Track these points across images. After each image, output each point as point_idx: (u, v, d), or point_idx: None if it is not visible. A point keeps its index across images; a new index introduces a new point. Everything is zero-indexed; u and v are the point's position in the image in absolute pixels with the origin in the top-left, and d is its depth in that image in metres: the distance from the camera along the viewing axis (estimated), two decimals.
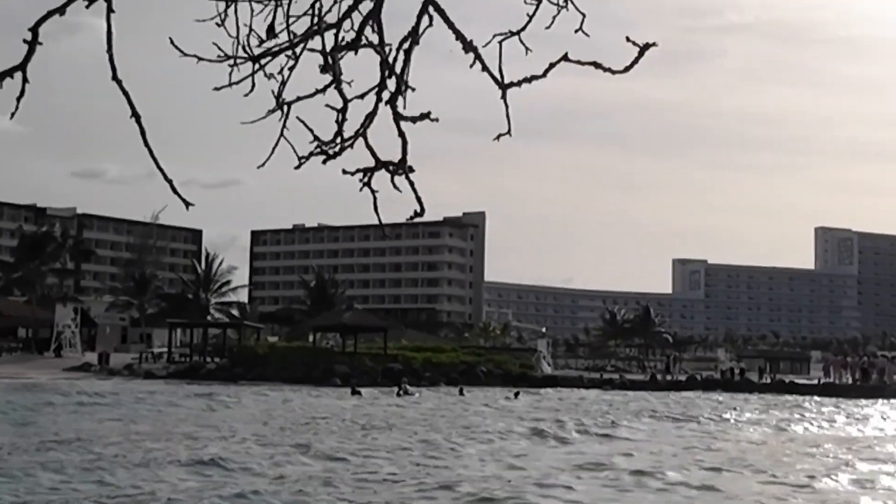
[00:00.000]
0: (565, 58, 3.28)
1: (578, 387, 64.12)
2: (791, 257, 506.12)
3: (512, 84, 3.34)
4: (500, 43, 3.35)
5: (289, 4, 3.29)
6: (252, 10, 3.30)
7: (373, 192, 3.30)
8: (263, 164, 3.49)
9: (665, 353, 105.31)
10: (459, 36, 3.26)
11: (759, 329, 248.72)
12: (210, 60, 3.32)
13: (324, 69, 3.27)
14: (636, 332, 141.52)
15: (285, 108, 3.36)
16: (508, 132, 3.46)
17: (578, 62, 3.27)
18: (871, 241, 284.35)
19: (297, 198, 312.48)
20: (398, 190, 3.33)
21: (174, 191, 3.21)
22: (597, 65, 3.30)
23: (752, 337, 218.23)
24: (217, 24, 3.28)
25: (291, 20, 3.30)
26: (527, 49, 3.40)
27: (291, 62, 3.34)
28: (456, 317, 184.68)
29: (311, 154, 3.37)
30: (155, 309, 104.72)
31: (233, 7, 3.28)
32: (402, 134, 3.28)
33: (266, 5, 3.29)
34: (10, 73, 3.00)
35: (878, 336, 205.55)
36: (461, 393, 51.71)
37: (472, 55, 3.28)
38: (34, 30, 3.01)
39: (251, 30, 3.31)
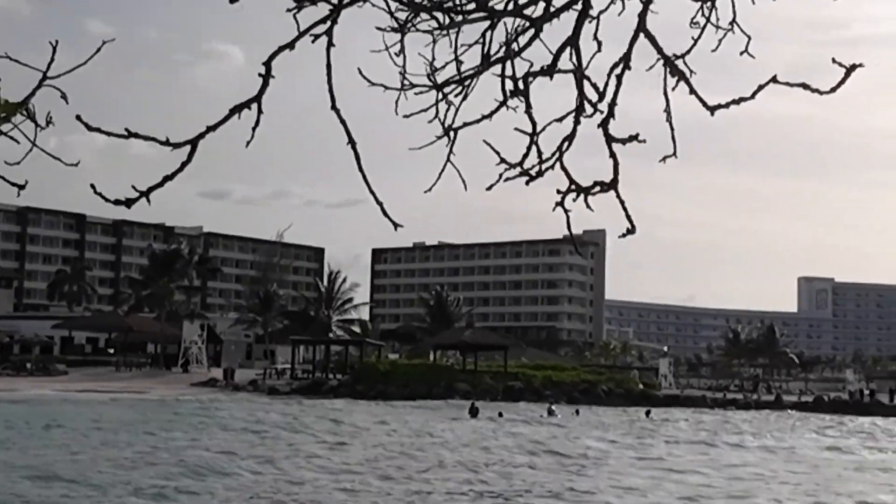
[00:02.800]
0: (774, 79, 3.31)
1: (701, 406, 63.10)
2: None
3: (720, 106, 3.40)
4: (687, 69, 3.40)
5: (457, 34, 3.35)
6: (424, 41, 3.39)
7: (566, 211, 3.39)
8: (430, 190, 3.59)
9: (753, 374, 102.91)
10: (667, 61, 3.31)
11: (889, 349, 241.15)
12: (395, 89, 3.39)
13: (514, 93, 3.34)
14: (760, 352, 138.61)
15: (452, 133, 3.42)
16: (674, 154, 3.55)
17: (787, 84, 3.29)
18: None
19: (418, 216, 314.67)
20: (591, 209, 3.42)
21: (384, 213, 3.33)
22: (805, 86, 3.31)
23: (882, 357, 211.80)
24: (395, 53, 3.35)
25: (461, 49, 3.37)
26: (691, 72, 3.42)
27: (464, 90, 3.42)
28: (576, 335, 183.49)
29: (511, 176, 3.44)
30: (278, 326, 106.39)
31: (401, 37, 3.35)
32: (613, 154, 3.40)
33: (437, 37, 3.35)
34: (247, 104, 3.15)
35: None
36: (648, 415, 50.80)
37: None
38: (268, 64, 3.15)
39: (432, 59, 3.37)
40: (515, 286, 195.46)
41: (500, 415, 46.11)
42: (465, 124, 3.43)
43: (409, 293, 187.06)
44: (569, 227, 3.48)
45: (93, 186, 3.19)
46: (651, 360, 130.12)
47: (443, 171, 3.43)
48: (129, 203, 3.14)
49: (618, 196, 3.39)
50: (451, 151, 3.42)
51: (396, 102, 3.41)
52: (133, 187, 3.17)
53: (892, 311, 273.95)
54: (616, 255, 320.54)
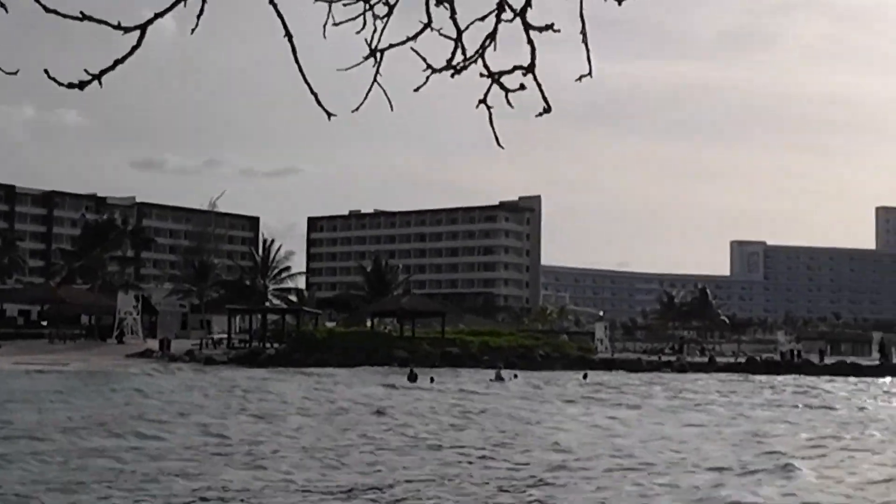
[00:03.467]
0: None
1: (637, 370, 63.83)
2: (852, 238, 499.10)
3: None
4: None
5: None
6: None
7: (488, 108, 3.51)
8: (357, 109, 3.62)
9: (680, 338, 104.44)
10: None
11: (819, 311, 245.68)
12: (325, 0, 3.44)
13: (439, 2, 3.42)
14: (694, 315, 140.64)
15: (378, 54, 3.48)
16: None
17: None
18: None
19: (354, 185, 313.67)
20: (511, 106, 3.50)
21: (318, 103, 3.36)
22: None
23: (812, 319, 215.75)
24: None
25: None
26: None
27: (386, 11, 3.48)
28: (513, 301, 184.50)
29: (435, 71, 3.52)
30: (214, 296, 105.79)
31: None
32: (530, 41, 3.51)
33: None
34: (112, 67, 3.17)
35: None
36: (584, 377, 51.88)
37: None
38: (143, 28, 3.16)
39: None
40: (452, 253, 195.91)
41: (432, 380, 46.83)
42: (391, 45, 3.48)
43: (346, 261, 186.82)
44: (491, 124, 3.58)
45: (46, 71, 3.19)
46: (587, 324, 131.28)
47: (369, 91, 3.47)
48: (81, 85, 3.15)
49: (535, 79, 3.51)
50: (377, 72, 3.47)
51: (325, 25, 3.45)
52: (85, 71, 3.17)
53: (822, 273, 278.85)
54: (552, 221, 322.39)
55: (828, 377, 59.76)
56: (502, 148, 3.59)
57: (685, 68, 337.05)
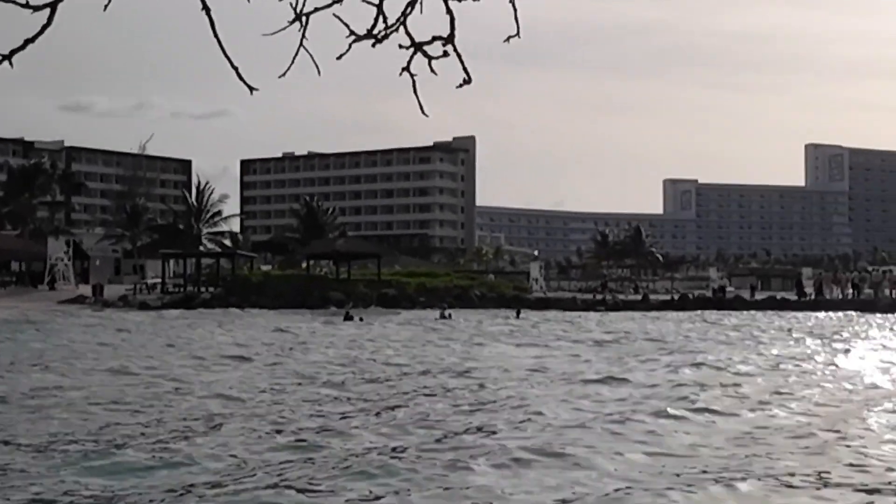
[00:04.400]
0: None
1: (572, 309, 64.36)
2: (782, 175, 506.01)
3: None
4: None
5: None
6: None
7: (412, 75, 3.50)
8: (283, 74, 3.59)
9: (602, 275, 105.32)
10: None
11: (750, 247, 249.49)
12: None
13: None
14: (628, 253, 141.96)
15: (304, 18, 3.46)
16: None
17: None
18: (861, 156, 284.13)
19: (287, 127, 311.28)
20: (435, 73, 3.54)
21: (240, 77, 3.31)
22: None
23: (743, 255, 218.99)
24: None
25: None
26: None
27: None
28: (448, 242, 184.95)
29: (358, 38, 3.50)
30: (147, 240, 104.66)
31: None
32: (449, 11, 3.54)
33: None
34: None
35: (869, 252, 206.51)
36: (518, 315, 52.28)
37: None
38: None
39: None
40: (387, 194, 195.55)
41: (361, 319, 47.68)
42: (317, 9, 3.46)
43: (280, 204, 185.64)
44: (415, 92, 3.58)
45: None
46: (522, 264, 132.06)
47: (296, 55, 3.45)
48: None
49: (455, 49, 3.52)
50: (303, 37, 3.45)
51: None
52: None
53: (753, 210, 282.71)
54: (486, 162, 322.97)
55: (757, 311, 60.83)
56: (426, 116, 3.59)
57: (621, 6, 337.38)
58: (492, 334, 39.51)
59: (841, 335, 39.75)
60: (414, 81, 3.58)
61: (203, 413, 16.80)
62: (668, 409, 16.97)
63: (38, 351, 29.90)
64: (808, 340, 36.31)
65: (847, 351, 31.25)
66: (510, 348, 32.38)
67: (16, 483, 11.42)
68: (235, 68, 3.35)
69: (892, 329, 44.41)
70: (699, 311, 61.17)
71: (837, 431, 15.00)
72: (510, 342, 35.24)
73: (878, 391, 20.73)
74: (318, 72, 3.54)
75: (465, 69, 3.57)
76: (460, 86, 3.62)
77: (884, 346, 33.50)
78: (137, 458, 12.56)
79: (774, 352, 30.90)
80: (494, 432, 14.63)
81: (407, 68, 3.51)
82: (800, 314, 58.58)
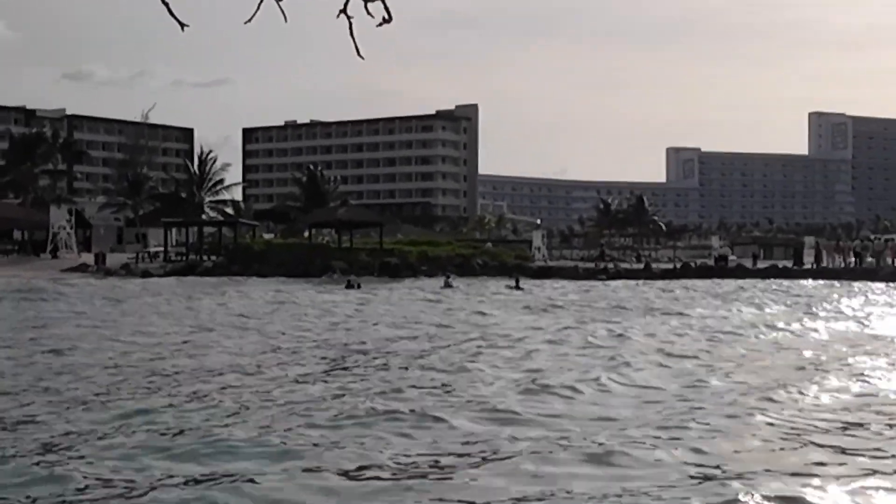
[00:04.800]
0: None
1: (574, 277, 64.29)
2: (785, 144, 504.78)
3: None
4: None
5: None
6: None
7: (348, 17, 3.51)
8: (249, 20, 3.59)
9: (599, 244, 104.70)
10: None
11: (753, 216, 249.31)
12: None
13: None
14: (630, 222, 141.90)
15: None
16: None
17: None
18: (864, 125, 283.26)
19: (289, 95, 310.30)
20: (371, 15, 3.53)
21: (171, 13, 3.33)
22: None
23: (746, 224, 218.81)
24: None
25: None
26: None
27: None
28: (451, 210, 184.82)
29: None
30: (149, 209, 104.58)
31: None
32: None
33: None
34: None
35: (872, 220, 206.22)
36: (517, 285, 51.65)
37: None
38: None
39: None
40: (389, 163, 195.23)
41: (358, 286, 47.90)
42: None
43: (283, 172, 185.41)
44: (351, 34, 3.59)
45: None
46: (525, 232, 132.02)
47: (259, 5, 3.46)
48: None
49: None
50: None
51: None
52: None
53: (755, 179, 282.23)
54: (489, 130, 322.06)
55: (760, 280, 60.83)
56: (362, 59, 3.58)
57: None
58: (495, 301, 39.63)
59: (810, 303, 39.40)
60: (350, 23, 3.57)
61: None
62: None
63: (50, 317, 30.08)
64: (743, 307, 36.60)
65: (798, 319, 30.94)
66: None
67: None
68: (166, 4, 3.34)
69: (868, 298, 43.71)
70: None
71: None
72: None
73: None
74: (285, 19, 3.53)
75: (386, 8, 3.56)
76: (380, 24, 3.61)
77: (837, 316, 32.66)
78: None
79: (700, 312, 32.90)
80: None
81: (344, 10, 3.51)
82: (787, 282, 58.65)
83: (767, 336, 25.26)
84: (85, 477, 9.86)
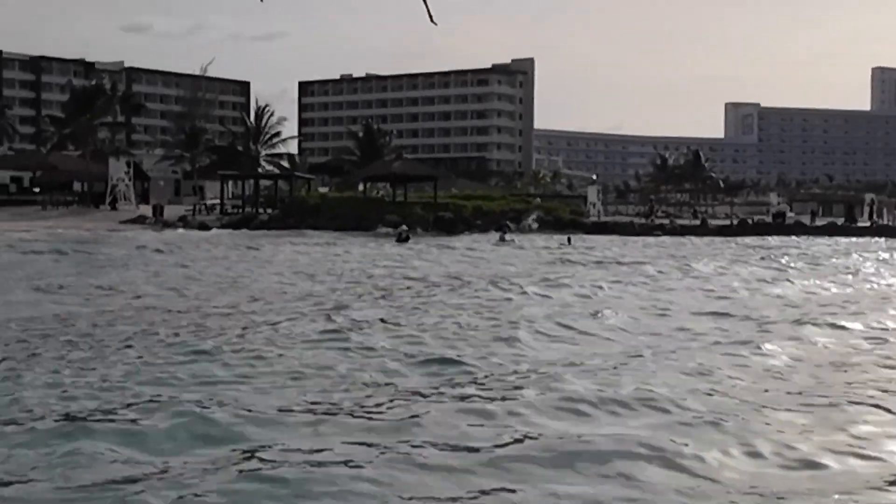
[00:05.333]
0: None
1: (629, 233, 63.94)
2: (847, 100, 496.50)
3: None
4: None
5: None
6: None
7: None
8: None
9: (650, 200, 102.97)
10: None
11: (812, 173, 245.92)
12: None
13: None
14: (687, 178, 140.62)
15: None
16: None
17: None
18: None
19: (345, 49, 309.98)
20: None
21: None
22: None
23: (805, 181, 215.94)
24: None
25: None
26: None
27: None
28: (506, 165, 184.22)
29: None
30: (206, 161, 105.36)
31: None
32: None
33: None
34: None
35: None
36: (569, 241, 51.33)
37: None
38: None
39: None
40: (444, 117, 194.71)
41: (407, 237, 48.54)
42: None
43: (338, 126, 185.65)
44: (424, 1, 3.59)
45: None
46: (580, 188, 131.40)
47: None
48: None
49: None
50: None
51: None
52: None
53: (815, 135, 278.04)
54: (545, 84, 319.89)
55: (817, 237, 60.24)
56: (435, 24, 3.56)
57: None
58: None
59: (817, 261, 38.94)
60: None
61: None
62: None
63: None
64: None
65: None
66: None
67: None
68: None
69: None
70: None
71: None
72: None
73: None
74: None
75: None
76: None
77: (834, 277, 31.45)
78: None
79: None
80: None
81: None
82: (843, 239, 58.06)
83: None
84: None
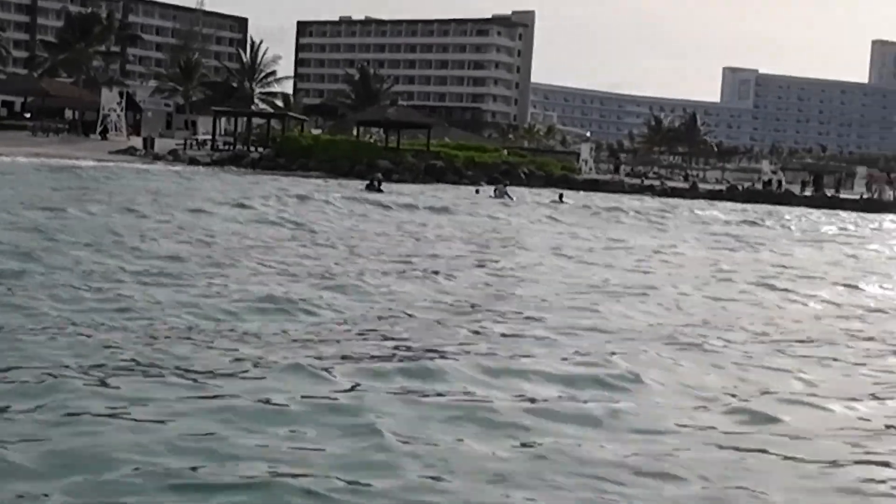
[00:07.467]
0: None
1: (619, 192, 63.95)
2: (845, 70, 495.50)
3: None
4: None
5: None
6: None
7: None
8: None
9: (615, 156, 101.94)
10: None
11: (806, 142, 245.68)
12: None
13: None
14: (680, 140, 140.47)
15: None
16: None
17: None
18: None
19: None
20: None
21: None
22: None
23: (798, 150, 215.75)
24: None
25: None
26: None
27: None
28: (501, 117, 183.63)
29: None
30: (200, 96, 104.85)
31: None
32: None
33: None
34: None
35: None
36: (561, 198, 48.90)
37: None
38: None
39: None
40: (442, 65, 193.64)
41: (379, 185, 46.01)
42: None
43: (335, 68, 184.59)
44: None
45: None
46: (574, 144, 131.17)
47: None
48: None
49: None
50: None
51: None
52: None
53: (811, 104, 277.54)
54: (544, 38, 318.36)
55: (806, 208, 60.27)
56: None
57: None
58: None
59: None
60: None
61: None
62: None
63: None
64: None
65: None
66: None
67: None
68: None
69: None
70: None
71: None
72: None
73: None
74: None
75: None
76: None
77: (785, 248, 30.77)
78: None
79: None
80: None
81: None
82: (817, 211, 58.05)
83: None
84: None
